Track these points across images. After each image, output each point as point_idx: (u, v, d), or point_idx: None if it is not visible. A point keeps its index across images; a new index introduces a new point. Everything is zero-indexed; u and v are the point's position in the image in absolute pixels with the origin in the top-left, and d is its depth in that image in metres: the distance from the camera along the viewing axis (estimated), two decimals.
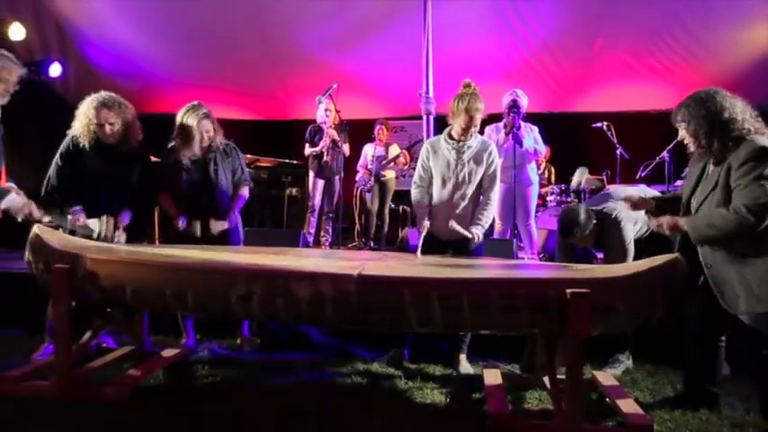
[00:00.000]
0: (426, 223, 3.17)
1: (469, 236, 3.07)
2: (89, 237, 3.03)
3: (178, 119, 3.33)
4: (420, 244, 3.12)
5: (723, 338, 2.56)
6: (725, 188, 2.30)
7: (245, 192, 3.52)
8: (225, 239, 3.40)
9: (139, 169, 3.27)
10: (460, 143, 3.16)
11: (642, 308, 2.20)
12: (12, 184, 2.75)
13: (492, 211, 3.23)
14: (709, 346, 2.56)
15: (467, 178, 3.16)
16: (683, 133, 2.46)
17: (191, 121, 3.28)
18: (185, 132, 3.29)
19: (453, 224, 3.08)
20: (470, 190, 3.18)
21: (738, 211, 2.19)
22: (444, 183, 3.19)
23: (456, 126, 3.15)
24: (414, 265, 2.66)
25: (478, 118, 3.10)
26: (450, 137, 3.18)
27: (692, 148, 2.44)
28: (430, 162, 3.24)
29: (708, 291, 2.42)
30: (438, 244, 3.20)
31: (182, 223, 3.30)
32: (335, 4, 5.79)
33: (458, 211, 3.17)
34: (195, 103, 3.37)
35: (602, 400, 2.66)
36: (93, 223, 3.08)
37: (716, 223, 2.26)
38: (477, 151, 3.18)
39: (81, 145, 3.11)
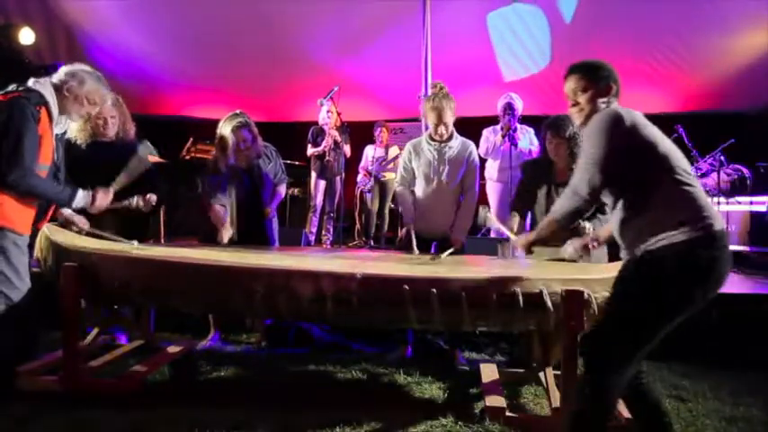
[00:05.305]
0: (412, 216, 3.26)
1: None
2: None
3: (218, 129, 3.35)
4: (414, 240, 3.16)
5: None
6: None
7: (281, 189, 3.62)
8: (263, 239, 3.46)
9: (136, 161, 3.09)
10: (442, 144, 3.24)
11: None
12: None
13: (472, 212, 3.28)
14: None
15: (449, 178, 3.23)
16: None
17: (225, 130, 3.30)
18: (222, 142, 3.32)
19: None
20: (452, 190, 3.26)
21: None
22: (427, 183, 3.27)
23: (430, 126, 3.23)
24: (413, 264, 2.72)
25: (449, 114, 3.15)
26: (432, 138, 3.26)
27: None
28: (412, 163, 3.31)
29: None
30: (422, 242, 3.25)
31: (226, 238, 3.26)
32: (337, 10, 5.86)
33: (441, 211, 3.26)
34: (236, 111, 3.36)
35: None
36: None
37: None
38: (459, 152, 3.25)
39: (76, 143, 3.06)
